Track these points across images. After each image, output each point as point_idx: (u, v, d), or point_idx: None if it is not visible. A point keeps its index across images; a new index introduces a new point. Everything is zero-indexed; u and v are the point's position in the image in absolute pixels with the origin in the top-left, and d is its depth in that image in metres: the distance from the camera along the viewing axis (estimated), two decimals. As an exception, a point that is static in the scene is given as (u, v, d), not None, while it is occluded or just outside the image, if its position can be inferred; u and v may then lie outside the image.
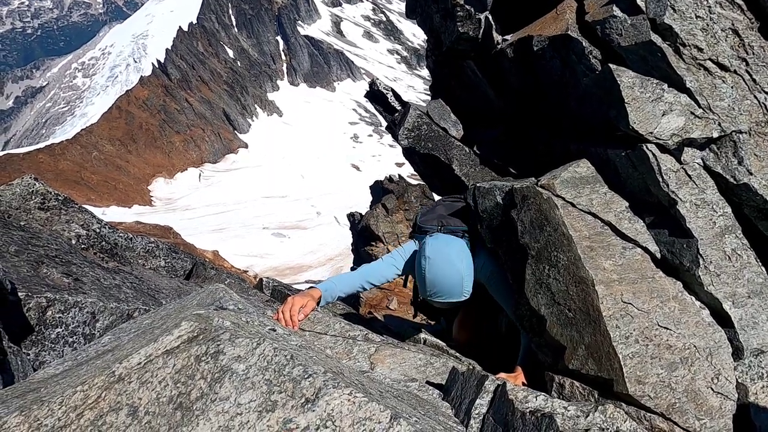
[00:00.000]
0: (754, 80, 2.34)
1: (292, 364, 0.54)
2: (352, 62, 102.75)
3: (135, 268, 2.33)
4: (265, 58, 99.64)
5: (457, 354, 2.24)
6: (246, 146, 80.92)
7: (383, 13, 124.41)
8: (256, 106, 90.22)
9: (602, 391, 1.65)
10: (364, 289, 2.03)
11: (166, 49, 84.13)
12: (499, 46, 3.04)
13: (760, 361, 1.80)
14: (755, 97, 2.31)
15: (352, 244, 7.85)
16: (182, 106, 76.81)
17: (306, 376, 0.52)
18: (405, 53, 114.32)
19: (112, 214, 47.70)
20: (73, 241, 2.28)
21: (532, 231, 1.99)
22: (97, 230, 2.45)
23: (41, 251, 1.78)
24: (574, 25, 2.50)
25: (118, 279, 1.91)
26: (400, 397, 0.99)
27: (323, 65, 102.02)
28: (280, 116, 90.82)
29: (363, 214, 7.35)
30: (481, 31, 3.15)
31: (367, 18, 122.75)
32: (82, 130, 69.82)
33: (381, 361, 1.71)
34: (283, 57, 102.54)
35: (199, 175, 70.37)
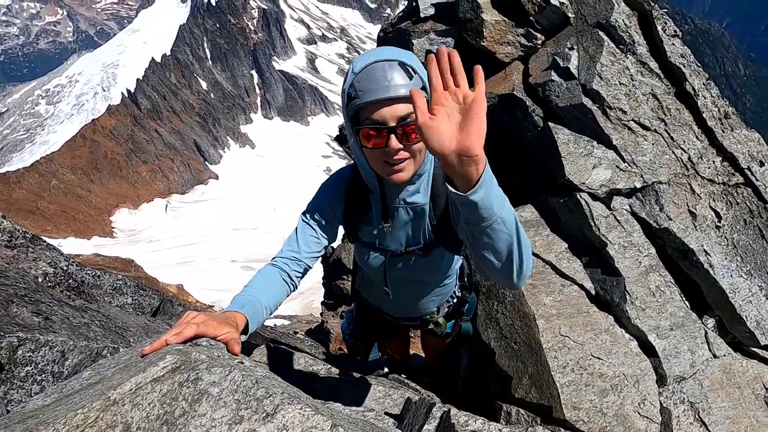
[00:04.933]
0: (671, 138, 2.71)
1: (257, 387, 0.67)
2: (326, 97, 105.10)
3: (102, 306, 2.36)
4: (239, 91, 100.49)
5: (417, 387, 2.36)
6: (216, 177, 79.92)
7: (357, 52, 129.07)
8: (228, 137, 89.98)
9: (544, 417, 1.81)
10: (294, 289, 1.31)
11: (137, 79, 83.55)
12: (456, 99, 3.36)
13: (682, 387, 2.02)
14: (673, 152, 2.68)
15: (323, 278, 7.88)
16: (151, 136, 75.60)
17: (267, 396, 0.65)
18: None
19: (69, 246, 45.42)
20: (40, 279, 2.31)
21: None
22: (65, 268, 2.47)
23: (11, 290, 1.82)
24: (520, 86, 2.83)
25: (86, 317, 1.95)
26: (355, 423, 1.13)
27: (297, 99, 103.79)
28: (253, 148, 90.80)
29: (334, 247, 7.47)
30: (441, 85, 3.46)
31: (342, 56, 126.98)
32: (41, 158, 67.19)
33: (342, 394, 1.82)
34: (258, 90, 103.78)
35: (166, 206, 68.52)
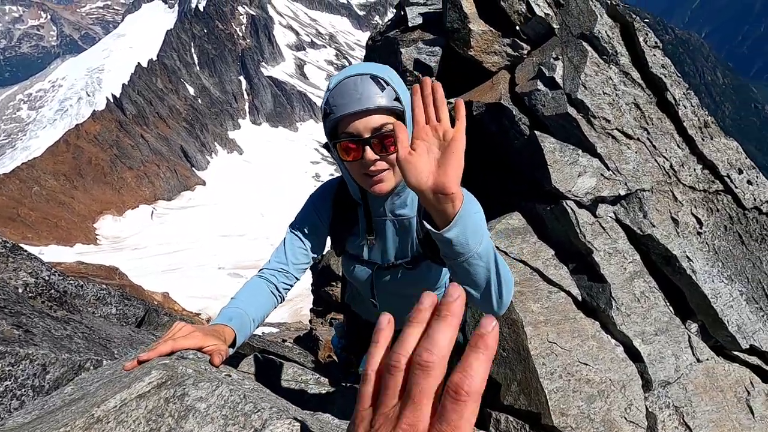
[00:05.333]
0: (654, 146, 2.78)
1: (245, 402, 0.67)
2: (315, 104, 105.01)
3: (85, 317, 2.31)
4: (227, 97, 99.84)
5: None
6: (204, 183, 79.07)
7: (346, 58, 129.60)
8: (215, 143, 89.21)
9: (533, 424, 1.82)
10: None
11: (123, 84, 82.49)
12: (444, 108, 3.39)
13: (667, 392, 2.05)
14: (656, 160, 2.74)
15: (311, 285, 7.83)
16: (137, 142, 74.53)
17: (255, 411, 0.65)
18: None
19: (51, 253, 44.42)
20: (20, 290, 2.25)
21: (471, 277, 2.20)
22: (46, 278, 2.41)
23: (-11, 302, 1.78)
24: (507, 95, 2.87)
25: (69, 329, 1.90)
26: (344, 435, 1.11)
27: (286, 105, 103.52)
28: (241, 154, 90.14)
29: (323, 254, 7.43)
30: (429, 93, 3.49)
31: (330, 62, 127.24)
32: (22, 163, 65.74)
33: (332, 403, 1.80)
34: (246, 96, 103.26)
35: (152, 212, 67.52)
